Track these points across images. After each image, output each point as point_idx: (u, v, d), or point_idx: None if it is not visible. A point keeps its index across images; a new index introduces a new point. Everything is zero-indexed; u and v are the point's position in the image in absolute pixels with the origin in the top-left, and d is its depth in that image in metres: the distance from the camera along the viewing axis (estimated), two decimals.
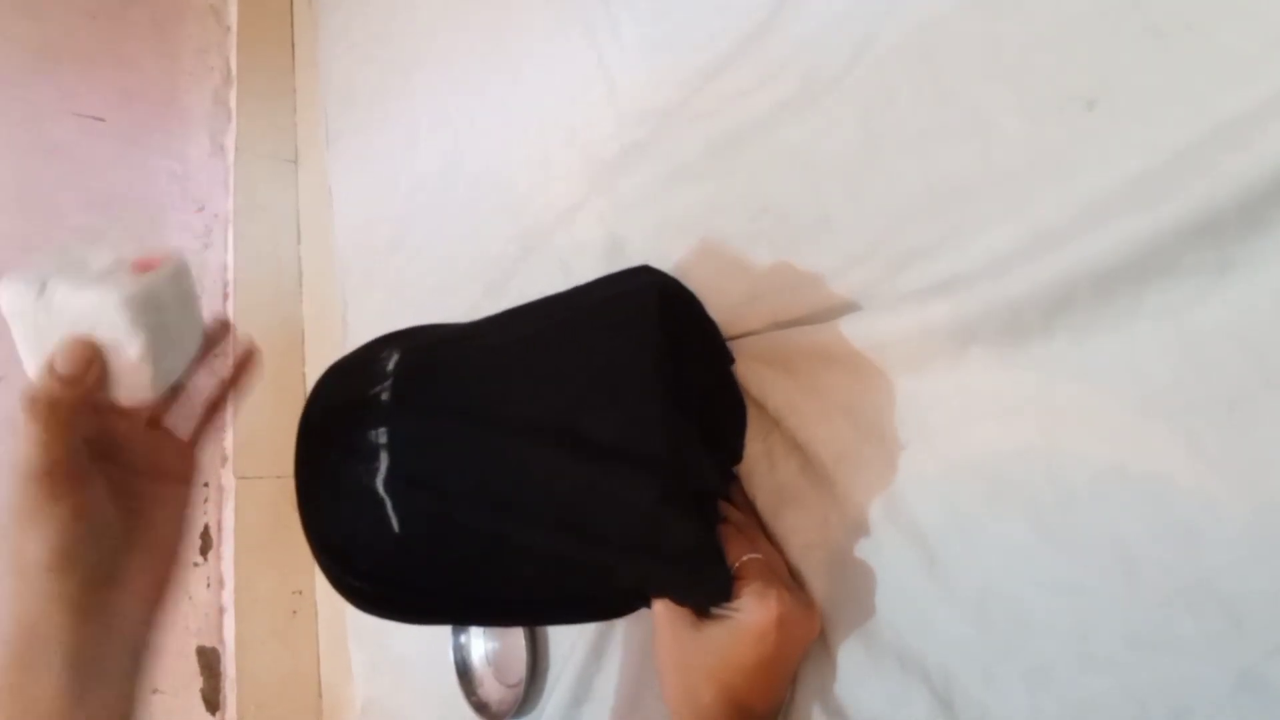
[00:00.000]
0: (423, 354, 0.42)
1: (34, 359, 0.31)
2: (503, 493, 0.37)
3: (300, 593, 0.90)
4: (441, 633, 0.67)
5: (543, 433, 0.36)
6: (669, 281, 0.43)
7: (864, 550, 0.39)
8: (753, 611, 0.36)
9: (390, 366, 0.40)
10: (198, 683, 0.84)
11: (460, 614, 0.40)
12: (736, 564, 0.38)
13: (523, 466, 0.37)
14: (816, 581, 0.40)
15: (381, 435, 0.38)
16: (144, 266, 0.32)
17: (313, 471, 0.39)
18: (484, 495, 0.37)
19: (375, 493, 0.37)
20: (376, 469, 0.37)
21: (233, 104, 1.09)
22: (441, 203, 0.78)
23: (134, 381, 0.32)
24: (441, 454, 0.38)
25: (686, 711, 0.37)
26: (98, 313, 0.30)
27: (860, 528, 0.39)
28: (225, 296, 1.00)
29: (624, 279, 0.43)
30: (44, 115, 0.93)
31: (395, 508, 0.37)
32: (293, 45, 1.17)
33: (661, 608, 0.39)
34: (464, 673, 0.66)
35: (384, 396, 0.39)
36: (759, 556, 0.39)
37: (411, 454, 0.38)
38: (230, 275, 1.00)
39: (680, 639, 0.38)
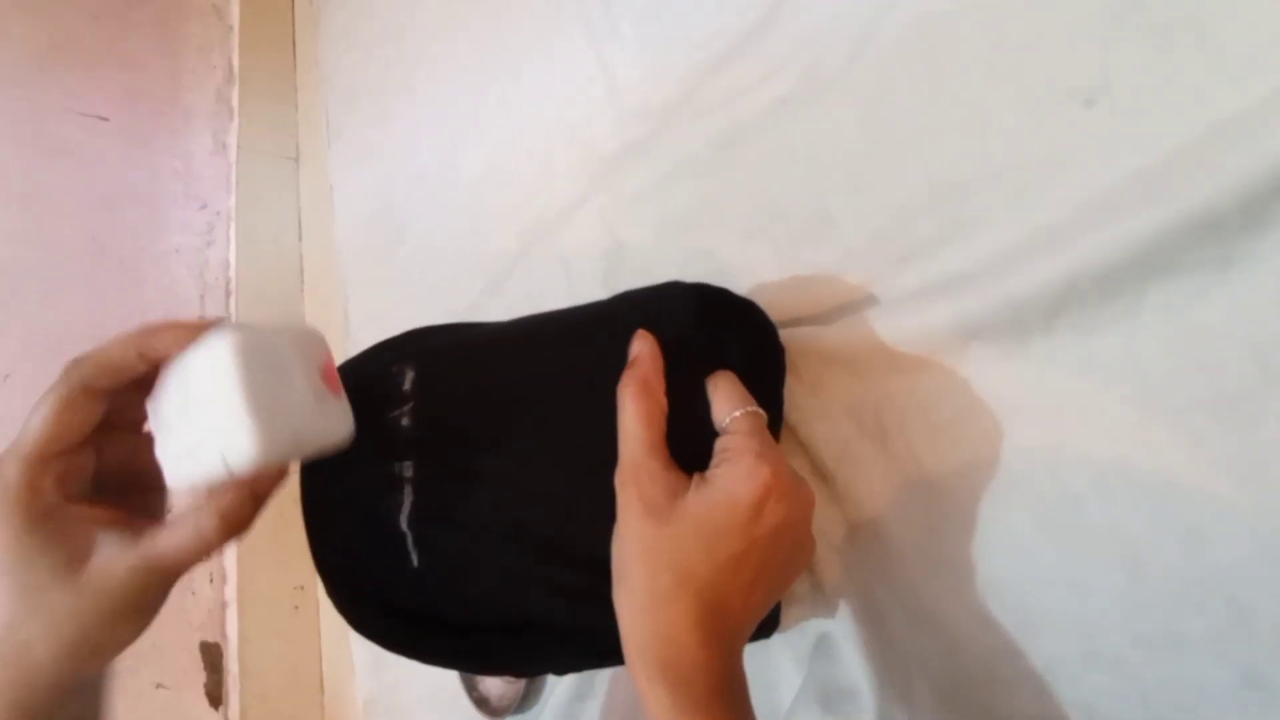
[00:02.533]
0: (442, 370, 0.38)
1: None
2: (540, 533, 0.34)
3: (302, 588, 0.90)
4: None
5: (588, 470, 0.33)
6: (709, 292, 0.39)
7: (866, 550, 0.39)
8: (741, 480, 0.29)
9: (407, 386, 0.37)
10: (201, 678, 0.84)
11: (471, 650, 0.36)
12: (728, 419, 0.32)
13: (564, 507, 0.34)
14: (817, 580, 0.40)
15: (407, 469, 0.35)
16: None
17: (323, 500, 0.37)
18: (518, 534, 0.34)
19: (396, 527, 0.35)
20: (400, 504, 0.35)
21: (235, 102, 1.09)
22: (442, 200, 0.78)
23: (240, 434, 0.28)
24: (472, 490, 0.35)
25: (647, 620, 0.29)
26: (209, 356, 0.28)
27: (862, 527, 0.39)
28: (228, 294, 1.01)
29: (656, 292, 0.39)
30: (48, 115, 0.93)
31: (416, 542, 0.35)
32: (294, 44, 1.17)
33: (626, 494, 0.31)
34: None
35: (405, 422, 0.36)
36: (758, 411, 0.32)
37: (438, 489, 0.35)
38: (232, 272, 1.01)
39: (648, 522, 0.30)
